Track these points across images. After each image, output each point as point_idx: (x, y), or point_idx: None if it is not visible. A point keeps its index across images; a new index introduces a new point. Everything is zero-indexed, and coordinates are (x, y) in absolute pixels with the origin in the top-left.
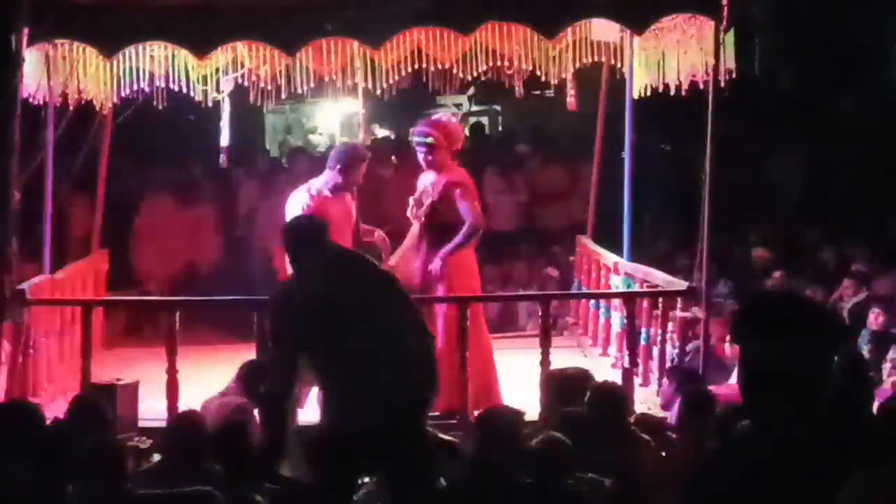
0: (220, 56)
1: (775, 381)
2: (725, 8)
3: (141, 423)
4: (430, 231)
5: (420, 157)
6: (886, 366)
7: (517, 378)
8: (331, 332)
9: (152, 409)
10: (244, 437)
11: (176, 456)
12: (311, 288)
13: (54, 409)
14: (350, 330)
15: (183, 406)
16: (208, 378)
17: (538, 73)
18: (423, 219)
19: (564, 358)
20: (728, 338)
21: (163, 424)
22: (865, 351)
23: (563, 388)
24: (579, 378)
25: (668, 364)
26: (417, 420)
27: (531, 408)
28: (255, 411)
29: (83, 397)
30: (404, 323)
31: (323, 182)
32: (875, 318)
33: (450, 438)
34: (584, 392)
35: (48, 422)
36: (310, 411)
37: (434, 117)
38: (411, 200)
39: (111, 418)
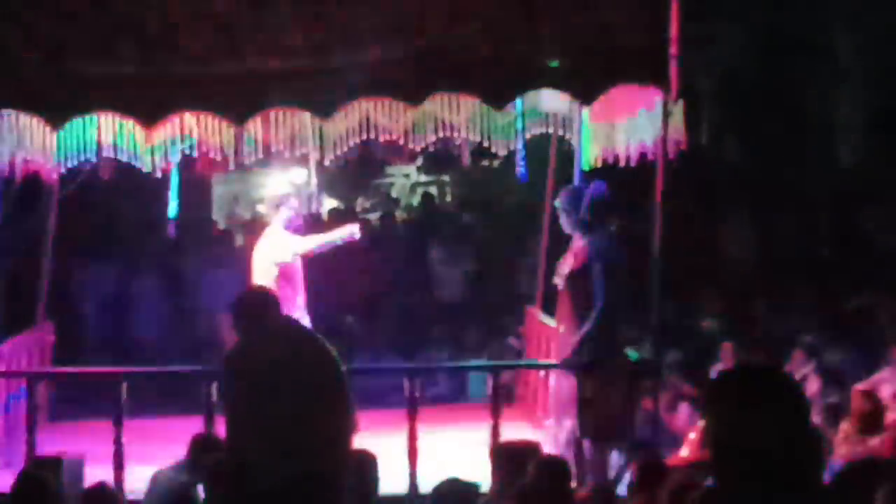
0: (168, 126)
1: (745, 453)
2: (673, 79)
3: None
4: (564, 298)
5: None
6: (839, 437)
7: (468, 449)
8: (258, 400)
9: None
10: None
11: None
12: (254, 356)
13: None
14: (272, 401)
15: (131, 479)
16: (155, 450)
17: (486, 143)
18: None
19: (515, 429)
20: (682, 407)
21: None
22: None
23: (511, 460)
24: (527, 450)
25: None
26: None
27: (484, 479)
28: (200, 487)
29: (28, 472)
30: (325, 404)
31: None
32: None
33: None
34: (532, 464)
35: None
36: None
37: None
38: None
39: (56, 493)
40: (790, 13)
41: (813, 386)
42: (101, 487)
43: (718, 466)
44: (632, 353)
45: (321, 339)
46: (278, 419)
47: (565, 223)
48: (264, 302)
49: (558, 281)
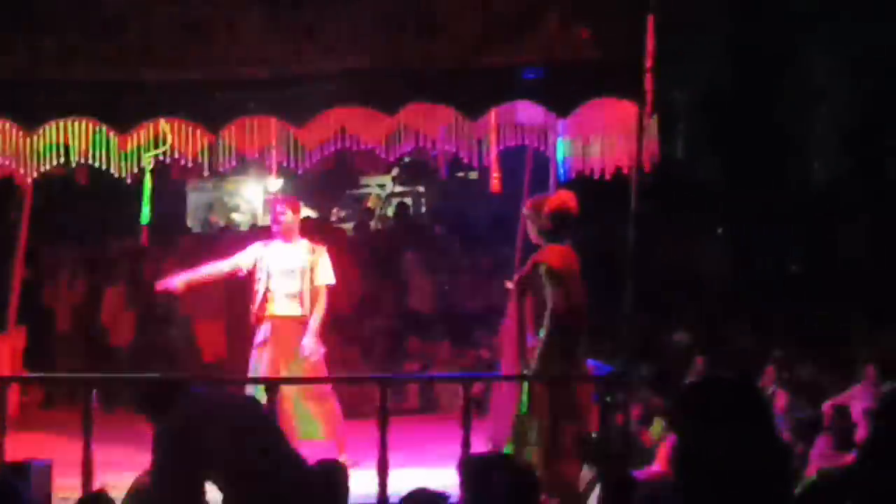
0: (143, 133)
1: (713, 467)
2: (648, 93)
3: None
4: (511, 303)
5: None
6: (814, 452)
7: (439, 460)
8: (221, 456)
9: (67, 489)
10: None
11: None
12: (197, 414)
13: None
14: (237, 455)
15: (98, 485)
16: (123, 457)
17: (462, 155)
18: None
19: (485, 441)
20: (655, 421)
21: None
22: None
23: (479, 471)
24: (496, 462)
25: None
26: None
27: (453, 491)
28: None
29: None
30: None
31: None
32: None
33: None
34: (500, 476)
35: None
36: None
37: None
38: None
39: (25, 498)
40: (767, 30)
41: (781, 400)
42: (98, 494)
43: (684, 480)
44: (603, 366)
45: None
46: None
47: (530, 231)
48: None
49: (509, 285)
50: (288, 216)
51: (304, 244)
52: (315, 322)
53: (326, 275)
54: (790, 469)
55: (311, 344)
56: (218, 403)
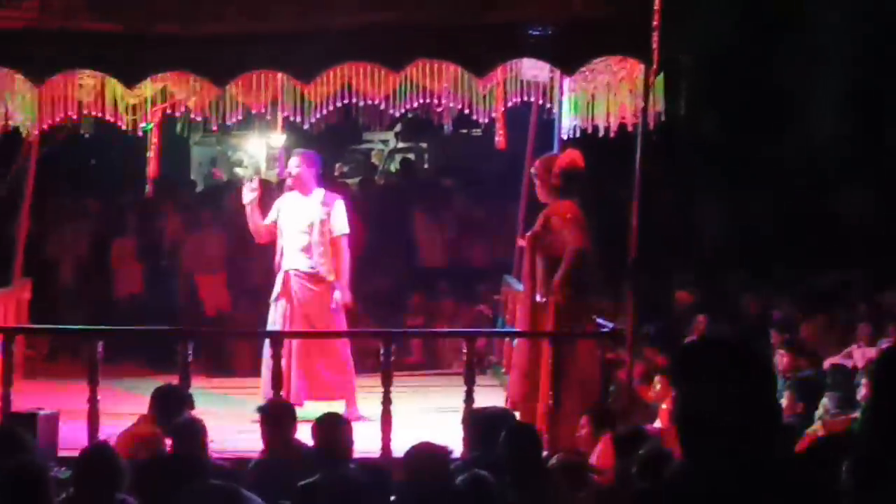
0: (150, 86)
1: (711, 425)
2: (655, 51)
3: (61, 454)
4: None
5: None
6: (819, 412)
7: (442, 415)
8: None
9: (73, 440)
10: (154, 472)
11: (88, 488)
12: None
13: None
14: None
15: (103, 437)
16: (130, 408)
17: (467, 111)
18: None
19: (489, 397)
20: (657, 379)
21: None
22: (785, 397)
23: (483, 427)
24: (499, 417)
25: None
26: None
27: (456, 445)
28: (167, 441)
29: (2, 426)
30: None
31: None
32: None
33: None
34: (503, 431)
35: None
36: None
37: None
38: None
39: (31, 447)
40: None
41: (783, 361)
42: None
43: (683, 437)
44: (606, 323)
45: None
46: None
47: (539, 190)
48: None
49: (522, 243)
50: (302, 170)
51: (318, 196)
52: (343, 276)
53: (341, 225)
54: (782, 426)
55: (340, 298)
56: None
